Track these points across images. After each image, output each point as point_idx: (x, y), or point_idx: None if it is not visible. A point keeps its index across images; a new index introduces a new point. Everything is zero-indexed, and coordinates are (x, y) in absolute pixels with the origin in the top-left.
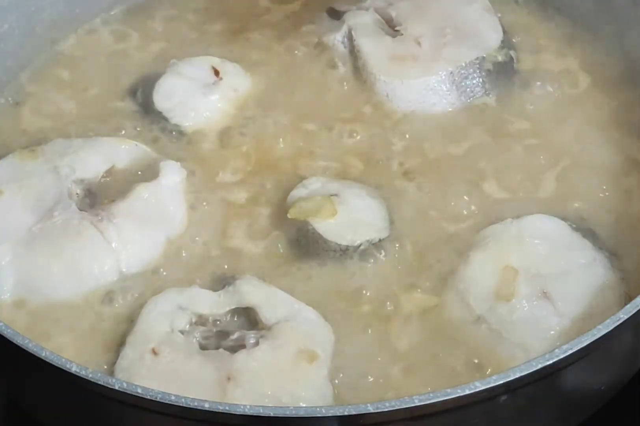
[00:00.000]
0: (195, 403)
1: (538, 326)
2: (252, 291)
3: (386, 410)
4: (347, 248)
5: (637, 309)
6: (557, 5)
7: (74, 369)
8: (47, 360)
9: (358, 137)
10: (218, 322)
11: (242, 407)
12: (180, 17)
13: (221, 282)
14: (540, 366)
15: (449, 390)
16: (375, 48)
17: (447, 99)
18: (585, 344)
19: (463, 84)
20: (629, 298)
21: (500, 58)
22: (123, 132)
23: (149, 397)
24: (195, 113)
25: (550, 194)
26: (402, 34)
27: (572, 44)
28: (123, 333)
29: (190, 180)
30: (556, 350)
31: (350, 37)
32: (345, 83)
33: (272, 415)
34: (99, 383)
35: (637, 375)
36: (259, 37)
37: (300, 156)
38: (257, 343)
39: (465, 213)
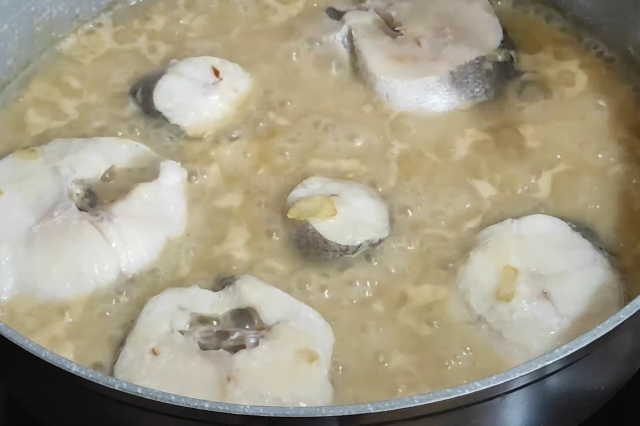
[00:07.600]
0: (195, 403)
1: (538, 326)
2: (252, 291)
3: (386, 410)
4: (347, 248)
5: (637, 309)
6: (557, 5)
7: (74, 369)
8: (47, 360)
9: (358, 137)
10: (218, 322)
11: (242, 407)
12: (180, 17)
13: (221, 282)
14: (540, 366)
15: (449, 390)
16: (375, 48)
17: (447, 99)
18: (585, 344)
19: (463, 84)
20: (629, 298)
21: (500, 58)
22: (123, 132)
23: (149, 397)
24: (195, 113)
25: (550, 194)
26: (402, 34)
27: (571, 44)
28: (123, 333)
29: (190, 180)
30: (556, 350)
31: (350, 37)
32: (345, 83)
33: (272, 415)
34: (99, 383)
35: (637, 375)
36: (258, 37)
37: (301, 156)
38: (257, 343)
39: (464, 212)
